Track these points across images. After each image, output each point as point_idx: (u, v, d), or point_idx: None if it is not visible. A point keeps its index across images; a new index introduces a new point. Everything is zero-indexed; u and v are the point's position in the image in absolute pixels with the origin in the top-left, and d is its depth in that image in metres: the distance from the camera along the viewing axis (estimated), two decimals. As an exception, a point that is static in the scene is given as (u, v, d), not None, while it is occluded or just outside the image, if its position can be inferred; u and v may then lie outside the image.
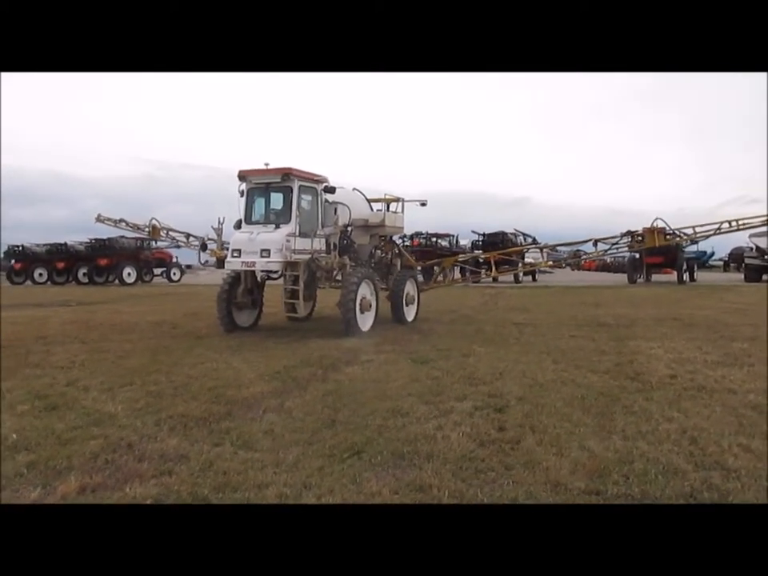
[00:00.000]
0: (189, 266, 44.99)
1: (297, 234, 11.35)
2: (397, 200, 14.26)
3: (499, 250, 25.92)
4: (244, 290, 12.26)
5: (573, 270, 52.68)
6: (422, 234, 34.63)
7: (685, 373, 7.69)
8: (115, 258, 35.12)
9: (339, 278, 12.45)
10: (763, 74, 6.55)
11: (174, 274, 39.26)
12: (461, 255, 28.38)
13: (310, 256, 11.49)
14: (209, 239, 12.83)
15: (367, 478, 4.24)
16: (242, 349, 10.01)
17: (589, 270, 52.73)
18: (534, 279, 35.15)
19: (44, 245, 37.36)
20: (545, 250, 27.93)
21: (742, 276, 32.34)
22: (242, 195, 11.91)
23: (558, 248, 25.34)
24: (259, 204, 12.00)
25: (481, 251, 30.47)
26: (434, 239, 35.05)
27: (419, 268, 19.10)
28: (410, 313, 13.70)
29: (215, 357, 9.16)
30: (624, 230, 17.55)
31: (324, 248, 12.05)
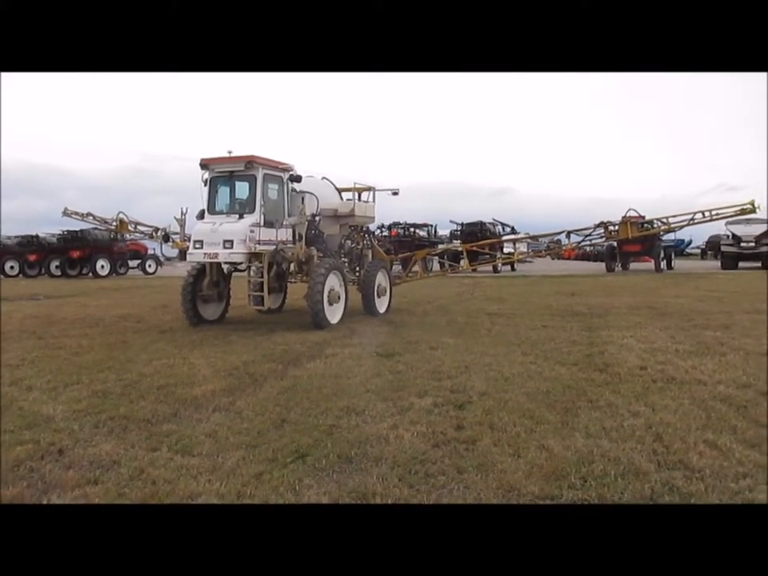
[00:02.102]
0: (168, 258, 44.32)
1: (261, 224, 11.00)
2: (368, 189, 13.94)
3: (477, 239, 25.82)
4: (209, 282, 11.87)
5: (553, 259, 52.92)
6: (400, 224, 34.29)
7: (655, 363, 7.49)
8: (88, 250, 34.30)
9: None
10: (749, 73, 6.39)
11: (150, 266, 38.50)
12: (440, 246, 28.31)
13: (275, 247, 11.13)
14: (172, 232, 12.42)
15: (308, 484, 3.95)
16: (204, 343, 9.67)
17: (568, 258, 53.02)
18: (512, 269, 34.98)
19: (15, 237, 36.47)
20: (523, 240, 28.05)
21: (719, 264, 32.45)
22: (205, 184, 11.52)
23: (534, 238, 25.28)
24: (222, 193, 11.60)
25: (459, 241, 30.33)
26: (412, 229, 34.72)
27: (398, 260, 18.88)
28: (381, 304, 13.41)
29: (174, 352, 8.81)
30: (603, 220, 17.43)
31: (290, 238, 11.71)
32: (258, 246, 10.91)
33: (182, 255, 11.86)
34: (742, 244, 29.92)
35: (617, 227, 17.00)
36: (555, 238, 26.22)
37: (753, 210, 16.84)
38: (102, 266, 34.27)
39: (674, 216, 17.56)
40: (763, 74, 9.37)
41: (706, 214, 17.11)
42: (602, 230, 17.06)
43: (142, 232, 30.74)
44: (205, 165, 11.43)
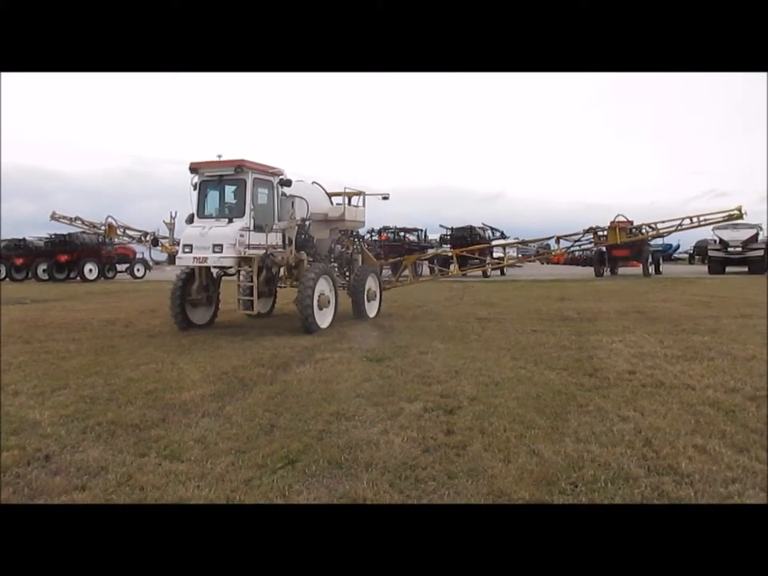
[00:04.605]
0: (157, 262, 44.19)
1: (251, 228, 10.98)
2: (358, 194, 13.95)
3: (467, 244, 25.89)
4: (199, 286, 11.82)
5: (542, 263, 53.18)
6: (390, 229, 34.33)
7: (644, 368, 7.52)
8: (76, 254, 34.06)
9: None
10: (744, 74, 6.30)
11: (138, 270, 38.29)
12: (429, 250, 28.38)
13: (264, 251, 11.11)
14: (161, 236, 12.36)
15: (297, 490, 3.93)
16: (193, 348, 9.61)
17: (557, 263, 53.26)
18: (502, 273, 35.08)
19: (2, 240, 36.11)
20: (513, 245, 28.17)
21: (707, 268, 32.69)
22: (194, 188, 11.49)
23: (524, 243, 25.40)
24: (212, 197, 11.58)
25: (449, 246, 30.43)
26: (402, 234, 34.78)
27: (388, 264, 18.93)
28: (371, 309, 13.41)
29: (162, 357, 8.75)
30: (593, 225, 17.51)
31: (280, 243, 11.68)
32: (247, 250, 10.89)
33: (171, 259, 11.83)
34: (729, 249, 30.17)
35: (605, 233, 17.09)
36: (545, 243, 26.39)
37: (740, 216, 17.02)
38: (90, 270, 34.01)
39: (662, 221, 17.71)
40: (757, 75, 9.33)
41: (694, 219, 17.28)
42: (591, 236, 17.14)
43: (130, 236, 30.54)
44: (194, 169, 11.40)
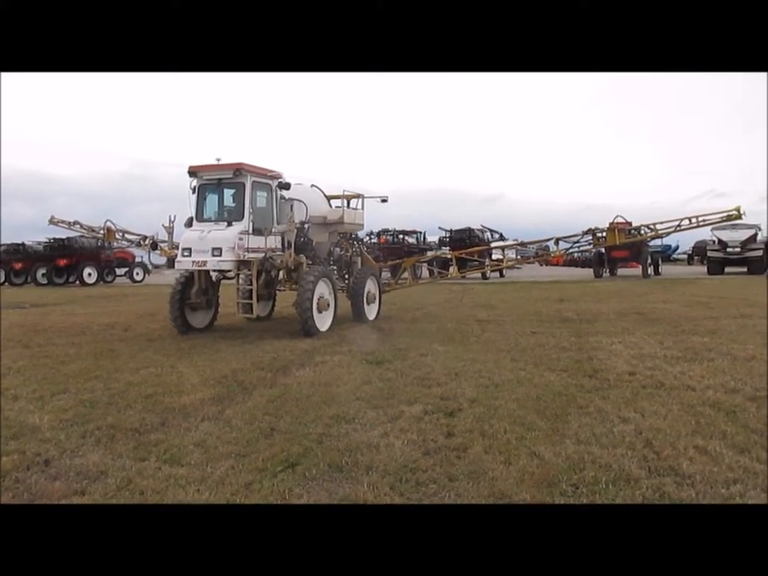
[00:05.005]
0: (156, 266, 44.22)
1: (250, 231, 10.97)
2: (357, 196, 13.95)
3: (466, 246, 25.91)
4: (198, 290, 11.82)
5: (541, 265, 53.21)
6: (389, 231, 34.37)
7: (644, 369, 7.52)
8: (75, 258, 34.04)
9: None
10: (743, 74, 6.26)
11: (137, 273, 38.25)
12: (429, 253, 28.43)
13: (263, 254, 11.10)
14: (160, 240, 12.34)
15: (298, 494, 3.92)
16: (193, 352, 9.60)
17: (556, 265, 53.25)
18: (501, 275, 35.09)
19: (0, 245, 36.09)
20: (512, 247, 28.19)
21: (706, 269, 32.72)
22: (193, 192, 11.48)
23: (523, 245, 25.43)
24: (211, 201, 11.57)
25: (448, 248, 30.46)
26: (401, 236, 34.81)
27: (387, 267, 18.95)
28: (371, 311, 13.40)
29: (161, 361, 8.73)
30: (593, 226, 17.50)
31: (279, 246, 11.68)
32: (246, 253, 10.88)
33: (170, 263, 11.82)
34: (728, 249, 30.20)
35: (605, 234, 17.10)
36: (544, 245, 26.41)
37: (739, 217, 17.04)
38: (89, 274, 33.98)
39: (661, 222, 17.72)
40: (757, 75, 9.29)
41: (693, 220, 17.29)
42: (590, 237, 17.15)
43: (129, 240, 30.55)
44: (193, 172, 11.39)
